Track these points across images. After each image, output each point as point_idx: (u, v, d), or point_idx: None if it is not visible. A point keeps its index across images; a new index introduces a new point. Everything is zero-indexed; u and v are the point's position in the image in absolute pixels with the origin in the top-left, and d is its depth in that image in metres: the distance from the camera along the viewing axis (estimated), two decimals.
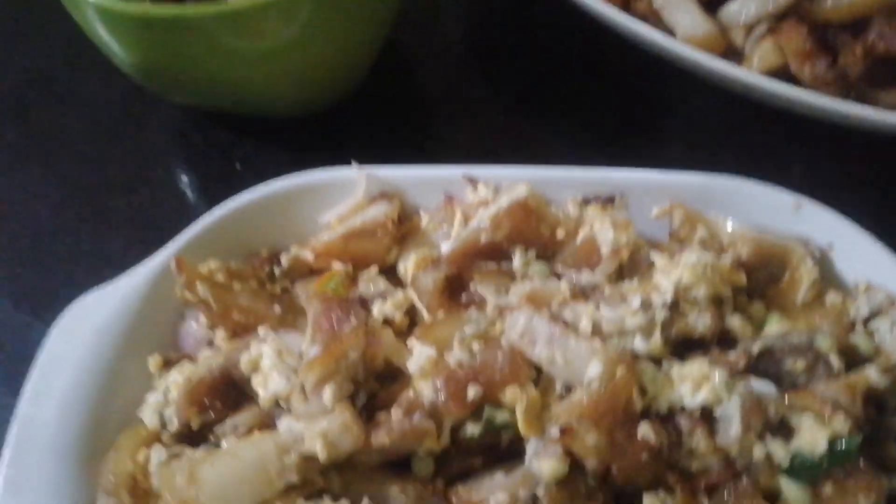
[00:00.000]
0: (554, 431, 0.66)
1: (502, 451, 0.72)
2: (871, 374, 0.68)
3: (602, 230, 0.77)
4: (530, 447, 0.69)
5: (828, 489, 0.64)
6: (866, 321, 0.77)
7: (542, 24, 1.21)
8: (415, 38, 1.23)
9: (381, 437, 0.67)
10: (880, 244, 0.81)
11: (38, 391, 0.75)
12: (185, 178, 1.06)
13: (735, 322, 0.75)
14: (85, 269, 0.97)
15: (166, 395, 0.75)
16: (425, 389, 0.70)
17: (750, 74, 0.90)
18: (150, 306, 0.81)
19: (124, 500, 0.70)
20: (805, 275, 0.80)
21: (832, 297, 0.80)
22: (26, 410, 0.74)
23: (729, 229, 0.82)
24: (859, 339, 0.74)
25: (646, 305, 0.71)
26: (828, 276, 0.83)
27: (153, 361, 0.79)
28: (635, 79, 1.14)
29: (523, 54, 1.21)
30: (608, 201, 0.79)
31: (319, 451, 0.65)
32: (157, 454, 0.72)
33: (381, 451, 0.69)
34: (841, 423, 0.63)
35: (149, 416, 0.75)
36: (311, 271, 0.88)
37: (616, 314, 0.71)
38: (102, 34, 0.90)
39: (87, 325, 0.79)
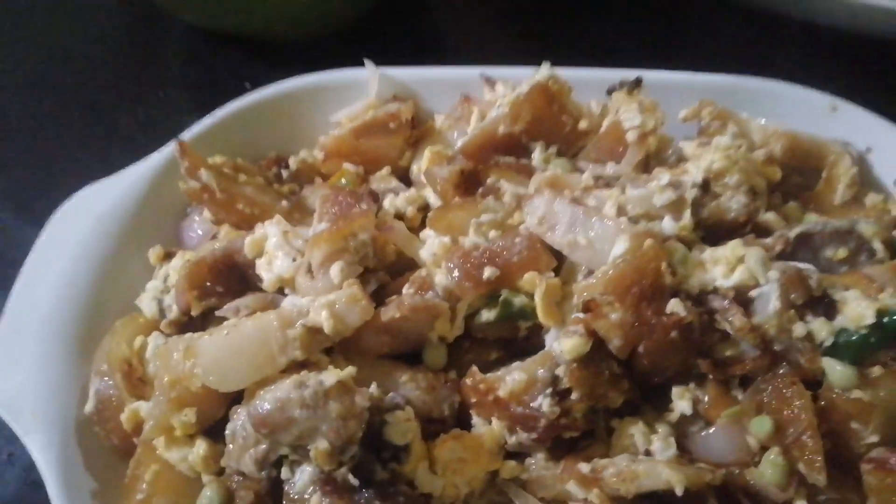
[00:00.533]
0: (575, 310, 0.62)
1: (519, 346, 0.67)
2: None
3: (628, 115, 0.72)
4: (550, 338, 0.65)
5: (876, 371, 0.58)
6: None
7: None
8: None
9: (391, 312, 0.63)
10: None
11: (33, 274, 0.72)
12: (193, 96, 1.03)
13: (770, 216, 0.71)
14: (90, 179, 0.93)
15: (165, 281, 0.71)
16: (439, 275, 0.66)
17: None
18: (152, 200, 0.78)
19: (117, 383, 0.66)
20: (843, 172, 0.75)
21: (872, 198, 0.75)
22: (20, 291, 0.71)
23: (761, 126, 0.78)
24: None
25: (675, 185, 0.66)
26: (867, 180, 0.78)
27: (154, 253, 0.75)
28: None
29: None
30: (635, 85, 0.75)
31: (325, 323, 0.60)
32: (155, 340, 0.69)
33: (391, 333, 0.64)
34: (890, 296, 0.58)
35: (147, 304, 0.71)
36: (320, 176, 0.84)
37: (643, 192, 0.66)
38: None
39: (86, 213, 0.76)
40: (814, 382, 0.60)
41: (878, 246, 0.65)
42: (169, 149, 0.79)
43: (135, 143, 0.82)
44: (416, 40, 1.14)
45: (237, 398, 0.63)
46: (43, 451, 0.62)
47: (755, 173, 0.71)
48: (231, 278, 0.70)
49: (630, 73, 0.79)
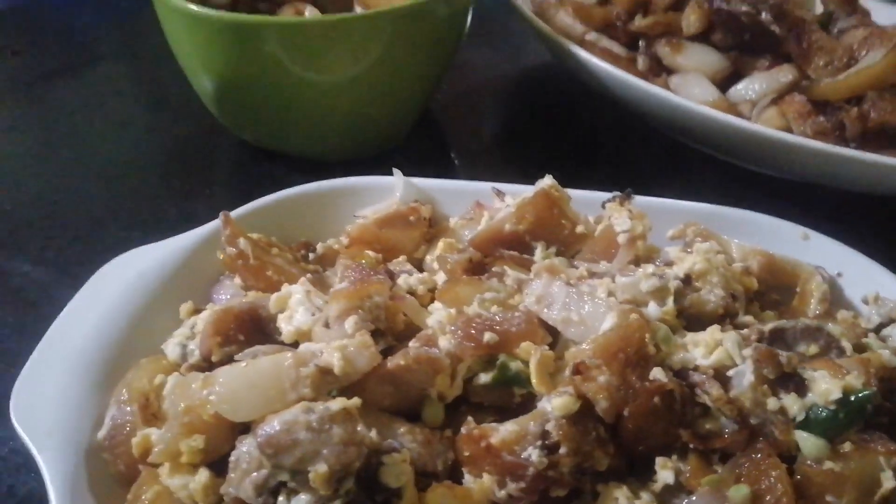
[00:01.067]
0: (566, 372, 0.67)
1: (512, 414, 0.71)
2: (884, 354, 0.69)
3: (619, 221, 0.82)
4: (541, 403, 0.70)
5: (847, 446, 0.62)
6: (877, 330, 0.78)
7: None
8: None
9: (396, 360, 0.68)
10: (888, 271, 0.85)
11: (69, 317, 0.79)
12: (236, 197, 1.14)
13: (748, 318, 0.78)
14: None
15: (192, 329, 0.78)
16: (442, 339, 0.72)
17: (759, 127, 1.00)
18: (190, 264, 0.86)
19: (134, 411, 0.70)
20: (815, 288, 0.83)
21: (843, 314, 0.82)
22: (56, 329, 0.77)
23: (740, 245, 0.87)
24: (872, 344, 0.76)
25: (659, 275, 0.74)
26: (838, 301, 0.86)
27: (185, 308, 0.82)
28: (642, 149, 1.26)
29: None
30: (626, 197, 0.85)
31: (336, 363, 0.66)
32: (174, 380, 0.73)
33: (394, 384, 0.69)
34: (854, 378, 0.64)
35: (171, 348, 0.77)
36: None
37: (630, 279, 0.74)
38: (186, 43, 1.05)
39: (127, 270, 0.84)
40: (789, 458, 0.64)
41: (846, 345, 0.71)
42: (213, 223, 0.89)
43: (177, 231, 0.92)
44: (436, 167, 1.28)
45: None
46: (53, 468, 0.65)
47: (733, 280, 0.80)
48: (253, 330, 0.76)
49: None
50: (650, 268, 0.75)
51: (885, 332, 0.77)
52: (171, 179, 1.20)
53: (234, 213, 0.90)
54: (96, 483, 0.67)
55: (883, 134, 0.99)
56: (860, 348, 0.73)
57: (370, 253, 0.90)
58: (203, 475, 0.65)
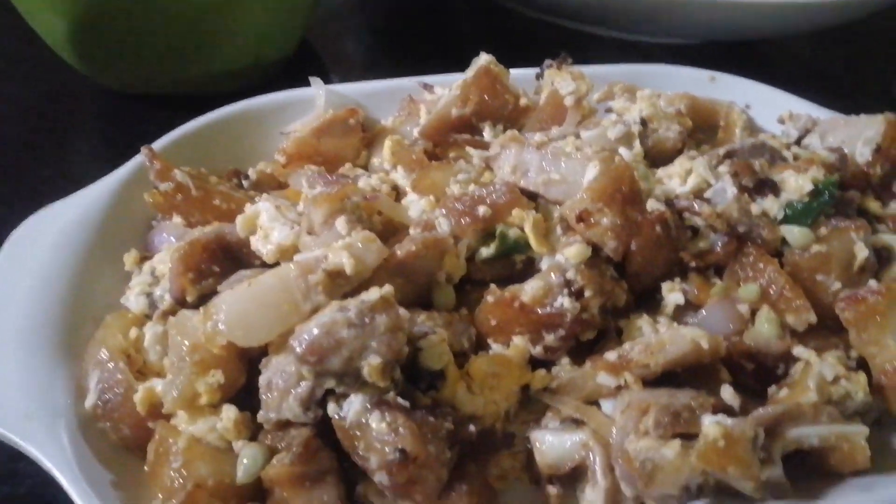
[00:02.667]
0: (558, 230, 0.69)
1: (516, 279, 0.71)
2: (821, 153, 0.77)
3: (563, 84, 0.83)
4: (544, 264, 0.70)
5: (824, 230, 0.69)
6: (798, 142, 0.87)
7: None
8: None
9: (405, 247, 0.65)
10: (791, 94, 0.94)
11: (1, 288, 0.67)
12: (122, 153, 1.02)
13: (696, 153, 0.83)
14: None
15: (153, 275, 0.69)
16: (441, 223, 0.70)
17: None
18: (117, 212, 0.76)
19: (122, 368, 0.61)
20: (737, 118, 0.90)
21: (763, 136, 0.90)
22: None
23: (664, 93, 0.92)
24: (801, 153, 0.84)
25: (622, 122, 0.77)
26: (755, 129, 0.94)
27: (129, 257, 0.73)
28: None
29: None
30: (563, 60, 0.86)
31: (346, 263, 0.61)
32: (153, 328, 0.65)
33: (404, 275, 0.66)
34: (816, 170, 0.71)
35: (134, 300, 0.68)
36: (279, 185, 0.86)
37: (597, 131, 0.76)
38: None
39: (46, 231, 0.72)
40: (776, 255, 0.70)
41: (787, 154, 0.79)
42: (129, 164, 0.79)
43: (65, 194, 0.80)
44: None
45: (255, 366, 0.62)
46: (50, 453, 0.56)
47: (675, 120, 0.84)
48: (225, 259, 0.69)
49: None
50: (613, 116, 0.78)
51: (805, 141, 0.86)
52: (36, 148, 1.03)
53: (154, 146, 0.80)
54: (100, 453, 0.59)
55: None
56: (795, 158, 0.81)
57: (312, 167, 0.84)
58: (230, 411, 0.59)
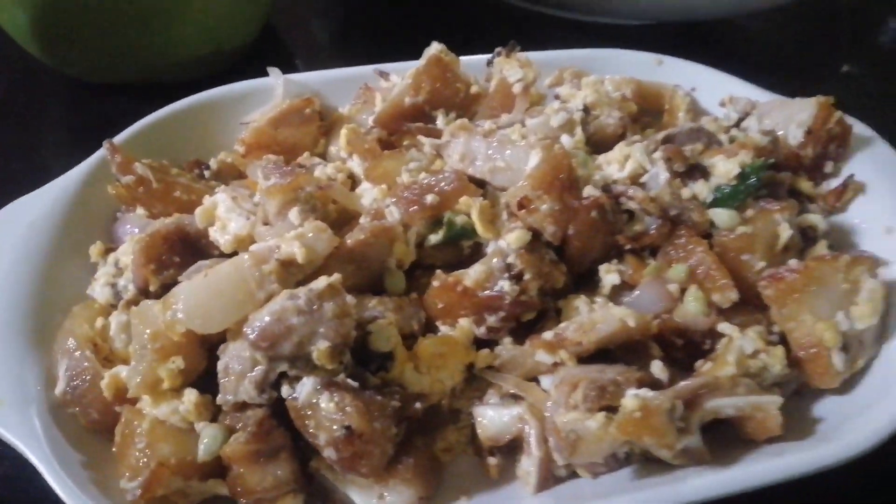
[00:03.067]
0: (504, 216, 0.73)
1: (464, 264, 0.76)
2: (754, 136, 0.81)
3: (511, 71, 0.86)
4: (490, 249, 0.74)
5: (751, 212, 0.74)
6: (737, 125, 0.91)
7: None
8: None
9: (354, 236, 0.69)
10: (735, 77, 0.97)
11: None
12: (84, 139, 1.04)
13: (636, 138, 0.87)
14: None
15: (117, 266, 0.72)
16: (390, 212, 0.74)
17: None
18: (81, 205, 0.79)
19: (89, 356, 0.65)
20: (680, 101, 0.94)
21: (705, 119, 0.94)
22: None
23: (611, 78, 0.95)
24: (738, 136, 0.88)
25: (564, 109, 0.81)
26: (699, 111, 0.98)
27: (94, 249, 0.76)
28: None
29: None
30: (511, 48, 0.90)
31: (298, 253, 0.65)
32: (118, 318, 0.69)
33: (355, 262, 0.70)
34: (745, 155, 0.75)
35: (100, 290, 0.72)
36: (240, 175, 0.90)
37: (541, 119, 0.80)
38: None
39: (16, 223, 0.76)
40: (706, 236, 0.75)
41: (723, 137, 0.83)
42: (93, 157, 0.81)
43: (37, 184, 0.82)
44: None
45: (215, 351, 0.66)
46: (23, 436, 0.60)
47: (618, 105, 0.88)
48: (185, 250, 0.73)
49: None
50: (556, 104, 0.81)
51: (744, 124, 0.90)
52: (5, 135, 1.05)
53: (116, 139, 0.83)
54: (71, 437, 0.63)
55: None
56: (731, 141, 0.85)
57: (271, 157, 0.87)
58: (192, 394, 0.63)
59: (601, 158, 0.79)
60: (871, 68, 1.26)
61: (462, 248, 0.75)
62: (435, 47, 0.88)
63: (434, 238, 0.74)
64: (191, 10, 1.03)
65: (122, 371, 0.64)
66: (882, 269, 0.75)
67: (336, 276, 0.63)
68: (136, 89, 1.11)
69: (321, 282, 0.61)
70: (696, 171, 0.75)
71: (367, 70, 0.96)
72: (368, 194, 0.77)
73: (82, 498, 0.56)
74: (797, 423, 0.67)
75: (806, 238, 0.78)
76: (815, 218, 0.78)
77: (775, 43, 1.33)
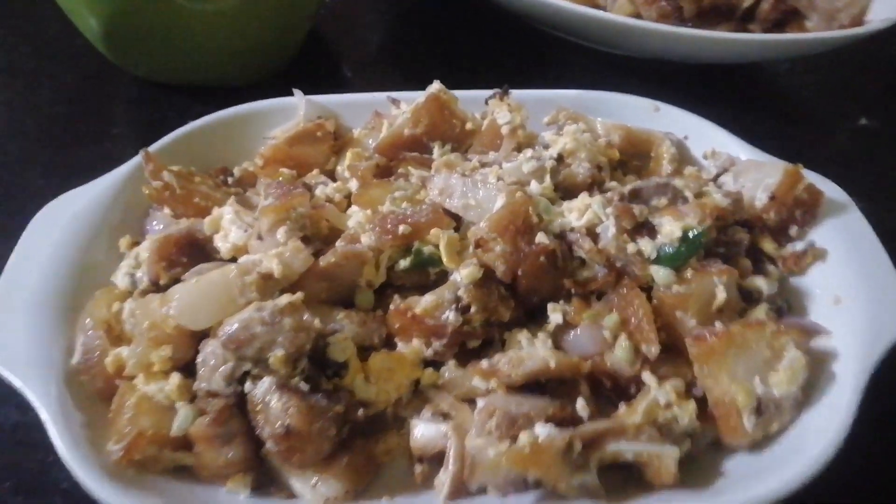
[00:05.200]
0: (471, 249, 0.81)
1: (431, 288, 0.85)
2: (717, 197, 0.86)
3: (501, 114, 0.95)
4: (452, 276, 0.83)
5: (689, 273, 0.80)
6: (716, 178, 0.96)
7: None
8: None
9: (328, 258, 0.80)
10: (723, 129, 1.02)
11: (20, 259, 0.85)
12: (142, 133, 1.19)
13: (613, 184, 0.93)
14: None
15: (137, 259, 0.86)
16: (364, 238, 0.84)
17: (608, 15, 1.12)
18: (120, 201, 0.93)
19: (101, 335, 0.79)
20: (665, 151, 0.99)
21: (689, 169, 0.99)
22: (10, 272, 0.84)
23: (603, 123, 1.02)
24: (710, 191, 0.93)
25: (537, 157, 0.88)
26: (686, 159, 1.03)
27: (124, 241, 0.90)
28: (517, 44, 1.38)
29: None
30: (504, 92, 0.97)
31: (275, 268, 0.76)
32: (130, 304, 0.82)
33: (328, 279, 0.81)
34: (692, 218, 0.81)
35: (121, 278, 0.85)
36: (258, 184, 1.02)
37: (514, 164, 0.88)
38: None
39: (64, 212, 0.90)
40: (648, 289, 0.81)
41: (689, 194, 0.88)
42: (132, 161, 0.95)
43: (95, 173, 0.97)
44: (330, 83, 1.36)
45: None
46: (41, 394, 0.74)
47: (599, 153, 0.95)
48: (193, 252, 0.86)
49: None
50: (529, 152, 0.89)
51: (721, 179, 0.95)
52: (75, 125, 1.22)
53: (151, 148, 0.97)
54: (78, 400, 0.77)
55: (717, 10, 1.14)
56: (702, 196, 0.91)
57: (285, 170, 0.99)
58: (175, 378, 0.76)
59: (566, 205, 0.87)
60: (889, 125, 1.25)
61: (429, 275, 0.84)
62: (434, 87, 0.97)
63: (403, 264, 0.83)
64: (235, 36, 1.16)
65: (124, 351, 0.78)
66: (816, 338, 0.80)
67: (298, 295, 0.74)
68: (193, 90, 1.26)
69: (284, 299, 0.73)
70: (644, 228, 0.82)
71: (381, 97, 1.06)
72: (355, 217, 0.88)
73: (75, 452, 0.70)
74: (703, 474, 0.74)
75: (751, 299, 0.83)
76: (759, 282, 0.83)
77: (795, 87, 1.33)
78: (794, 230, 0.89)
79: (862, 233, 0.87)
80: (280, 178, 0.96)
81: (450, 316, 0.77)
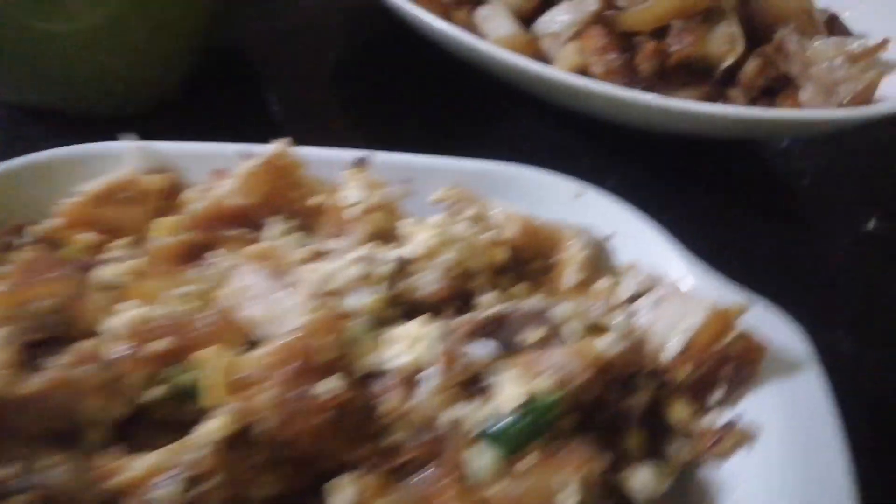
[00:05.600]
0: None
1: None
2: (601, 343, 0.61)
3: (351, 191, 0.72)
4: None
5: (527, 461, 0.54)
6: (632, 300, 0.70)
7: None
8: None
9: (32, 383, 0.58)
10: (659, 230, 0.76)
11: None
12: None
13: (488, 298, 0.69)
14: None
15: None
16: (107, 352, 0.62)
17: (547, 69, 0.88)
18: None
19: None
20: (571, 257, 0.74)
21: (603, 283, 0.74)
22: None
23: (497, 210, 0.77)
24: (617, 319, 0.68)
25: (367, 259, 0.65)
26: (607, 265, 0.78)
27: None
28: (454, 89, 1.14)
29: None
30: (360, 162, 0.74)
31: None
32: None
33: (37, 410, 0.59)
34: (543, 380, 0.56)
35: None
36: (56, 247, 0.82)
37: (334, 266, 0.64)
38: None
39: None
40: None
41: (567, 331, 0.63)
42: None
43: None
44: (242, 116, 1.16)
45: None
46: None
47: (476, 253, 0.70)
48: None
49: (387, 162, 0.79)
50: (359, 252, 0.66)
51: (635, 305, 0.69)
52: None
53: None
54: None
55: (684, 70, 0.88)
56: (597, 331, 0.65)
57: (84, 236, 0.78)
58: None
59: (395, 332, 0.63)
60: None
61: (189, 411, 0.62)
62: (272, 148, 0.75)
63: (150, 395, 0.61)
64: (89, 61, 0.97)
65: None
66: None
67: None
68: (58, 118, 1.07)
69: None
70: (477, 385, 0.57)
71: (233, 149, 0.84)
72: (121, 316, 0.66)
73: None
74: None
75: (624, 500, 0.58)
76: (641, 477, 0.57)
77: (796, 174, 1.04)
78: (720, 393, 0.63)
79: (814, 411, 0.60)
80: (67, 247, 0.76)
81: (169, 489, 0.54)
